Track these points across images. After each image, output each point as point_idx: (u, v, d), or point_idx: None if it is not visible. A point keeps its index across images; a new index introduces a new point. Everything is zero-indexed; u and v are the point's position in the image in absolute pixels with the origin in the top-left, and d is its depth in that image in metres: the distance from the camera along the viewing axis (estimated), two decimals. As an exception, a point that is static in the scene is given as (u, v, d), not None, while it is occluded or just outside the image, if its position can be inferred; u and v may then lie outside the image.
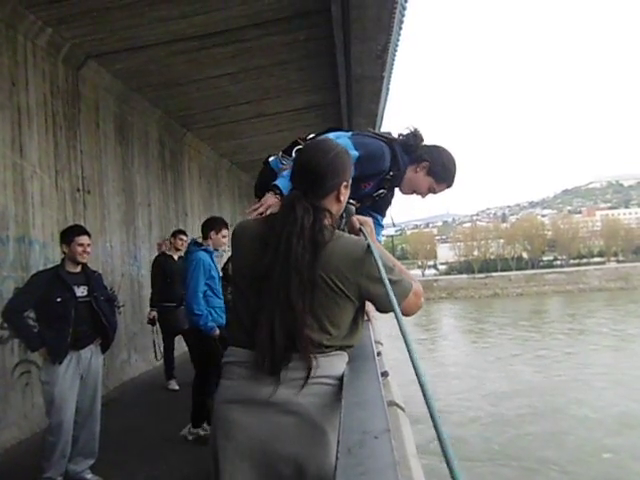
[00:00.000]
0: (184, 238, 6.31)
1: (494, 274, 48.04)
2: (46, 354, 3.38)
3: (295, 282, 1.33)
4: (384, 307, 1.42)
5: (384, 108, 9.56)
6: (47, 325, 3.40)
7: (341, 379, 1.40)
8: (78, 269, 3.58)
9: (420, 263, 65.52)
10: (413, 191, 2.33)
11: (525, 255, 62.55)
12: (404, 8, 5.56)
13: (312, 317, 1.36)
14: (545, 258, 64.26)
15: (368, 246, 1.40)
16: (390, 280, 1.38)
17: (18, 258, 4.93)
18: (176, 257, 6.22)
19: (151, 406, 5.68)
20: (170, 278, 5.97)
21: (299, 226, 1.37)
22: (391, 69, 7.62)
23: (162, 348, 6.40)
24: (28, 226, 5.11)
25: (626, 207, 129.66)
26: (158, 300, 6.11)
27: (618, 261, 60.25)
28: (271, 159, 2.17)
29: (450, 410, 11.69)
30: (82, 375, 3.51)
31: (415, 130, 2.26)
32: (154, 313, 6.14)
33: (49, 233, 5.39)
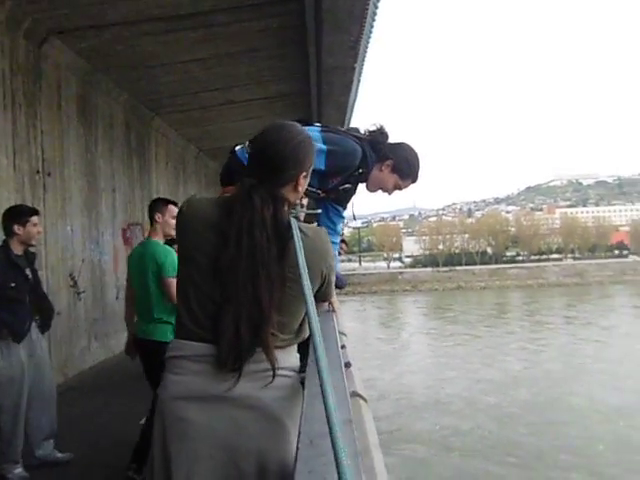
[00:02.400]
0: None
1: (458, 268, 48.91)
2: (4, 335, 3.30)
3: (263, 277, 1.28)
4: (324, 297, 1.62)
5: (355, 100, 9.57)
6: (3, 309, 3.29)
7: (297, 371, 1.39)
8: (21, 251, 3.49)
9: (386, 255, 66.16)
10: (379, 188, 2.37)
11: (489, 250, 63.88)
12: (377, 0, 5.56)
13: (275, 313, 1.31)
14: (508, 253, 65.83)
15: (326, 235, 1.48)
16: (332, 283, 1.54)
17: (-28, 241, 4.74)
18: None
19: (110, 393, 5.58)
20: None
21: (259, 217, 1.30)
22: (363, 61, 7.62)
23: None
24: (-16, 208, 4.91)
25: (584, 206, 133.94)
26: None
27: (574, 258, 62.23)
28: (237, 148, 2.12)
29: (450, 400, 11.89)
30: (32, 354, 3.50)
31: (381, 128, 2.28)
32: None
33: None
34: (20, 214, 3.50)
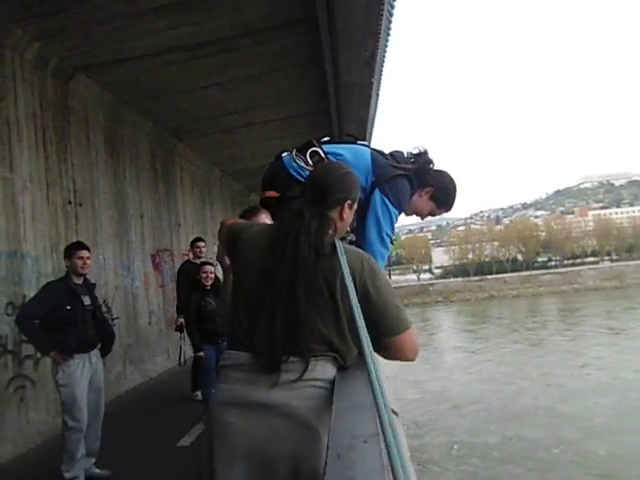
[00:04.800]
0: (201, 245, 6.40)
1: (489, 276, 48.11)
2: (58, 357, 3.66)
3: (301, 278, 1.37)
4: (382, 330, 1.42)
5: (374, 114, 9.61)
6: (56, 330, 3.67)
7: (333, 383, 1.41)
8: (80, 280, 3.93)
9: (415, 267, 65.58)
10: (414, 213, 2.41)
11: (520, 257, 62.68)
12: (391, 15, 5.62)
13: (313, 318, 1.38)
14: (539, 259, 64.42)
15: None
16: (394, 304, 1.46)
17: (10, 273, 4.91)
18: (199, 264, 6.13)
19: (147, 418, 5.64)
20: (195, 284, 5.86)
21: (306, 227, 1.42)
22: (380, 75, 7.67)
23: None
24: (20, 241, 5.09)
25: (618, 207, 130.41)
26: (186, 307, 5.85)
27: (612, 260, 60.55)
28: (284, 155, 2.18)
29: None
30: (91, 377, 3.84)
31: (426, 154, 2.28)
32: (181, 320, 6.03)
33: (41, 247, 5.37)
34: (67, 249, 4.02)
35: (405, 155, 2.28)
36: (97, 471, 3.94)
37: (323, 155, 2.13)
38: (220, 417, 1.43)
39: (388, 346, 1.46)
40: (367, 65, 6.11)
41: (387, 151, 2.30)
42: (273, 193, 2.10)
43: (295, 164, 2.10)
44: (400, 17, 7.04)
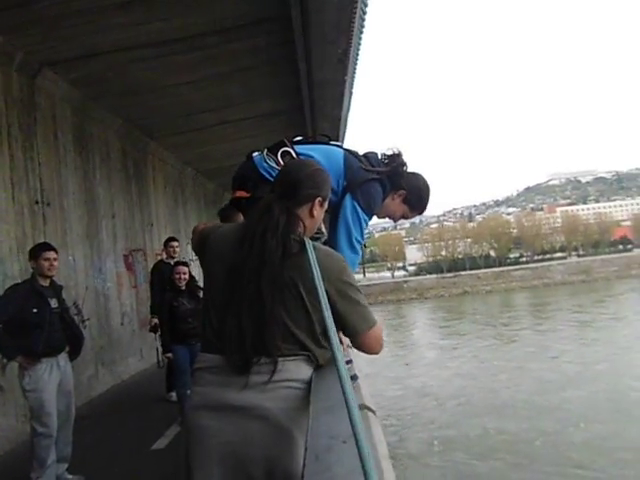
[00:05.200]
0: (175, 244, 6.31)
1: (463, 273, 48.82)
2: (24, 361, 3.58)
3: (266, 275, 1.36)
4: (350, 328, 1.46)
5: (347, 112, 9.62)
6: (22, 334, 3.58)
7: (309, 383, 1.40)
8: (47, 282, 3.84)
9: (389, 265, 66.11)
10: (387, 216, 2.40)
11: (492, 253, 63.79)
12: (364, 12, 5.62)
13: (280, 316, 1.37)
14: (512, 255, 65.71)
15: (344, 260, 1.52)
16: (360, 303, 1.47)
17: (-26, 275, 4.75)
18: (172, 264, 6.02)
19: (121, 421, 5.54)
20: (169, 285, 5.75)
21: (274, 223, 1.41)
22: (354, 73, 7.68)
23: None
24: (-16, 241, 4.93)
25: (584, 203, 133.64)
26: (160, 306, 5.70)
27: (579, 255, 62.11)
28: (255, 154, 2.13)
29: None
30: (60, 381, 3.75)
31: (400, 156, 2.25)
32: (155, 320, 5.91)
33: (7, 248, 5.21)
34: (33, 250, 3.93)
35: (379, 157, 2.25)
36: (69, 477, 3.86)
37: (295, 156, 2.10)
38: (194, 420, 1.43)
39: (354, 342, 1.53)
40: (340, 63, 6.11)
41: (361, 152, 2.27)
42: (243, 193, 2.06)
43: (266, 164, 2.06)
44: (371, 15, 7.05)
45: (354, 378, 2.39)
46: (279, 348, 1.36)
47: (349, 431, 1.00)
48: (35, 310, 3.62)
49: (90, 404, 6.20)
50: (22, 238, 5.44)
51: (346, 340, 2.15)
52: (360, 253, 2.17)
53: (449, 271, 51.77)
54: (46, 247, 3.89)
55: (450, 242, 62.43)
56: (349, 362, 2.57)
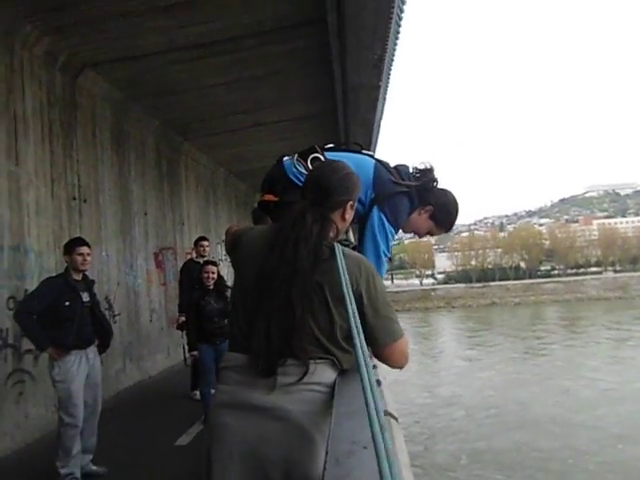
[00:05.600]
0: (205, 244, 6.38)
1: (492, 283, 47.91)
2: (54, 353, 3.65)
3: (297, 284, 1.36)
4: (373, 339, 1.43)
5: (381, 117, 9.60)
6: (54, 326, 3.65)
7: (332, 387, 1.40)
8: (80, 277, 3.91)
9: (418, 272, 65.48)
10: (412, 231, 2.38)
11: (523, 265, 62.36)
12: (400, 18, 5.60)
13: (308, 322, 1.38)
14: (543, 268, 64.04)
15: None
16: (386, 314, 1.45)
17: (13, 267, 4.91)
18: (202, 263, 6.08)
19: (146, 416, 5.63)
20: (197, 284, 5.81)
21: (307, 232, 1.42)
22: (388, 78, 7.66)
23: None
24: (23, 235, 5.09)
25: (623, 216, 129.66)
26: (188, 305, 5.74)
27: (615, 271, 60.18)
28: (286, 159, 2.14)
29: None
30: (88, 373, 3.82)
31: (431, 171, 2.22)
32: (182, 318, 5.99)
33: (44, 242, 5.37)
34: (67, 245, 3.98)
35: (410, 170, 2.23)
36: (94, 468, 3.93)
37: None
38: (218, 418, 1.45)
39: (378, 354, 1.51)
40: (375, 68, 6.11)
41: (392, 164, 2.25)
42: (271, 197, 2.08)
43: (295, 169, 2.07)
44: (408, 21, 7.01)
45: (378, 384, 2.39)
46: (307, 351, 1.37)
47: (371, 436, 1.00)
48: (67, 303, 3.70)
49: (117, 397, 6.32)
50: (59, 232, 5.60)
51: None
52: (386, 266, 2.16)
53: (478, 281, 50.88)
54: (80, 242, 3.96)
55: (480, 252, 61.37)
56: (374, 367, 2.56)
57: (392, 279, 59.06)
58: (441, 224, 2.31)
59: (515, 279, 52.80)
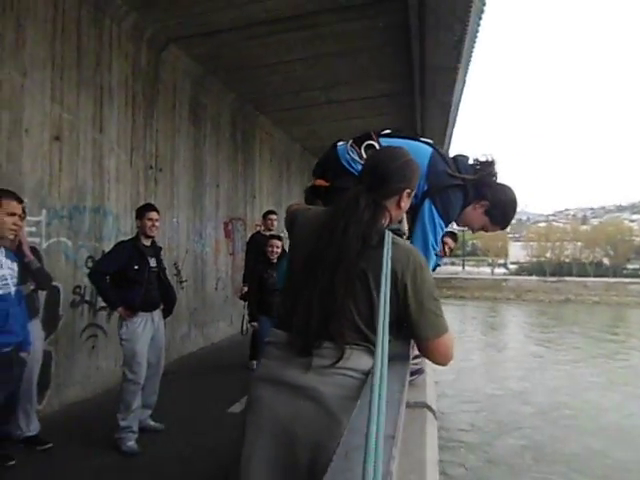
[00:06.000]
0: (273, 217, 6.52)
1: (567, 278, 45.26)
2: (124, 312, 3.86)
3: (342, 269, 1.37)
4: (416, 332, 1.45)
5: (459, 100, 9.27)
6: (123, 287, 3.86)
7: (367, 375, 1.40)
8: (149, 242, 4.09)
9: (490, 260, 63.39)
10: (466, 225, 2.33)
11: (606, 261, 58.51)
12: (484, 3, 5.35)
13: (349, 307, 1.39)
14: (630, 266, 59.65)
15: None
16: (432, 307, 1.42)
17: (93, 228, 5.26)
18: (268, 236, 6.21)
19: (205, 381, 5.90)
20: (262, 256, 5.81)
21: (358, 217, 1.41)
22: (468, 60, 7.36)
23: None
24: (103, 199, 5.43)
25: None
26: (251, 276, 5.92)
27: None
28: (340, 144, 2.13)
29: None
30: (153, 334, 4.03)
31: (492, 164, 2.15)
32: (245, 289, 6.21)
33: (122, 206, 5.70)
34: (139, 210, 4.14)
35: (470, 162, 2.16)
36: (152, 423, 4.21)
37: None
38: (255, 390, 1.51)
39: (420, 348, 1.49)
40: (455, 49, 5.88)
41: (467, 152, 2.19)
42: (322, 182, 2.08)
43: (348, 155, 2.05)
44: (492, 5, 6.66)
45: (419, 372, 2.37)
46: (344, 336, 1.39)
47: (387, 432, 1.00)
48: (136, 267, 3.88)
49: (180, 361, 6.67)
50: (136, 198, 5.91)
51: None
52: (434, 259, 2.12)
53: (552, 275, 48.23)
54: (150, 208, 4.12)
55: (557, 244, 58.19)
56: (417, 357, 2.54)
57: (463, 265, 57.61)
58: (496, 221, 2.23)
59: (595, 276, 49.67)
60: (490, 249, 64.78)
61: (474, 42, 6.57)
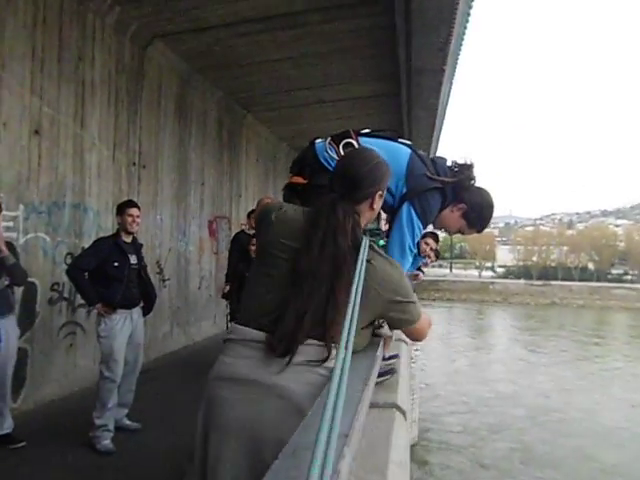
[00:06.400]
0: None
1: (553, 282, 45.73)
2: (103, 309, 3.83)
3: (343, 279, 1.38)
4: (397, 326, 1.66)
5: (446, 102, 9.32)
6: (103, 284, 3.83)
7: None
8: (130, 239, 4.06)
9: (478, 264, 63.76)
10: (443, 227, 2.33)
11: (591, 266, 59.11)
12: (470, 7, 5.38)
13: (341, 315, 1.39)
14: (614, 271, 60.24)
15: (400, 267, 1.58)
16: (409, 310, 1.58)
17: (72, 224, 5.20)
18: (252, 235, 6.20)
19: (185, 380, 5.84)
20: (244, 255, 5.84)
21: (342, 228, 1.43)
22: (455, 64, 7.40)
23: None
24: (84, 194, 5.37)
25: None
26: (233, 275, 5.98)
27: (700, 282, 55.59)
28: (318, 141, 2.11)
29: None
30: (131, 332, 4.00)
31: (470, 168, 2.14)
32: (227, 287, 6.17)
33: (103, 202, 5.64)
34: (119, 206, 4.11)
35: (449, 164, 2.15)
36: (127, 422, 4.16)
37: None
38: (217, 390, 1.47)
39: (405, 333, 1.71)
40: (440, 51, 5.89)
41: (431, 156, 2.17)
42: (300, 179, 2.06)
43: (326, 153, 2.03)
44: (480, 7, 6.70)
45: (391, 372, 2.36)
46: (335, 341, 1.38)
47: (342, 431, 0.98)
48: (116, 264, 3.85)
49: (161, 359, 6.61)
50: (118, 195, 5.85)
51: (389, 333, 2.12)
52: (410, 260, 2.12)
53: (539, 278, 48.77)
54: (131, 204, 4.09)
55: (544, 247, 58.66)
56: (394, 357, 2.53)
57: (451, 268, 57.92)
58: (473, 224, 2.23)
59: (580, 280, 50.19)
60: (478, 252, 65.12)
61: (461, 44, 6.61)
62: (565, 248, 59.10)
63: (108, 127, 5.74)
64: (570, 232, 72.83)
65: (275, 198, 2.20)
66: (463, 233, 2.32)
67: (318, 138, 2.16)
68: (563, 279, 49.56)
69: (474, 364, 16.23)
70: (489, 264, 64.85)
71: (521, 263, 58.62)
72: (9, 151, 4.34)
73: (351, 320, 1.18)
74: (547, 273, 52.68)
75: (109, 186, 5.76)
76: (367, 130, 2.17)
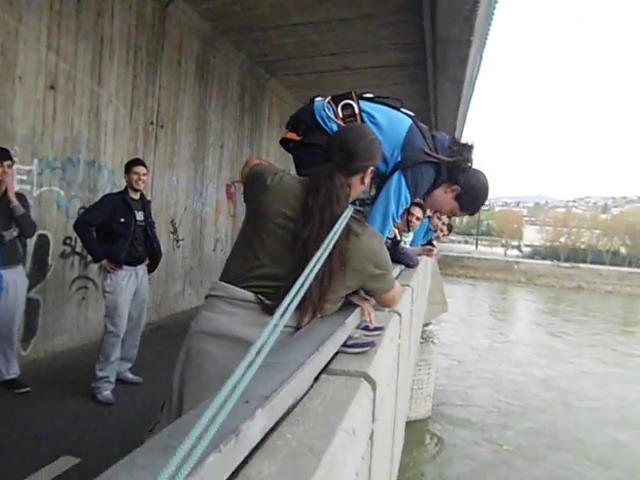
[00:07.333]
0: None
1: (581, 265, 44.62)
2: (108, 265, 3.90)
3: (337, 254, 1.43)
4: (372, 293, 1.73)
5: (475, 76, 9.03)
6: (109, 240, 3.90)
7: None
8: (137, 196, 4.07)
9: (503, 242, 62.80)
10: (434, 207, 2.35)
11: (623, 250, 57.62)
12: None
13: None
14: (648, 257, 58.45)
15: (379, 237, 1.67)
16: (385, 279, 1.65)
17: (86, 181, 5.28)
18: None
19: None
20: None
21: (338, 196, 1.49)
22: (484, 36, 7.14)
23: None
24: (99, 152, 5.43)
25: None
26: None
27: None
28: (317, 99, 2.08)
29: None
30: (136, 289, 4.08)
31: (470, 151, 2.09)
32: None
33: (118, 160, 5.68)
34: (127, 165, 4.15)
35: (449, 142, 2.09)
36: (130, 376, 4.29)
37: (357, 111, 2.03)
38: (198, 343, 1.49)
39: (377, 299, 1.77)
40: (466, 21, 5.67)
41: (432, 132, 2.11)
42: (294, 135, 2.05)
43: (324, 112, 2.01)
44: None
45: (371, 345, 2.37)
46: (325, 309, 1.52)
47: (262, 392, 0.99)
48: (122, 220, 3.90)
49: (171, 318, 6.75)
50: (134, 154, 5.88)
51: (371, 307, 2.13)
52: (391, 229, 2.11)
53: (566, 260, 47.81)
54: (137, 162, 4.12)
55: (574, 230, 57.26)
56: (379, 329, 2.54)
57: (476, 245, 57.29)
58: (465, 207, 2.20)
59: (611, 264, 48.86)
60: (505, 230, 64.15)
61: (491, 17, 6.36)
62: (597, 231, 57.53)
63: (126, 85, 5.75)
64: (604, 216, 70.85)
65: (266, 159, 2.18)
66: (455, 215, 2.34)
67: (319, 96, 2.14)
68: (592, 263, 48.20)
69: (503, 345, 16.29)
70: (515, 243, 63.79)
71: (548, 244, 57.47)
72: (24, 104, 4.40)
73: (303, 284, 1.19)
74: (576, 255, 51.45)
75: (125, 144, 5.81)
76: (370, 95, 2.13)
